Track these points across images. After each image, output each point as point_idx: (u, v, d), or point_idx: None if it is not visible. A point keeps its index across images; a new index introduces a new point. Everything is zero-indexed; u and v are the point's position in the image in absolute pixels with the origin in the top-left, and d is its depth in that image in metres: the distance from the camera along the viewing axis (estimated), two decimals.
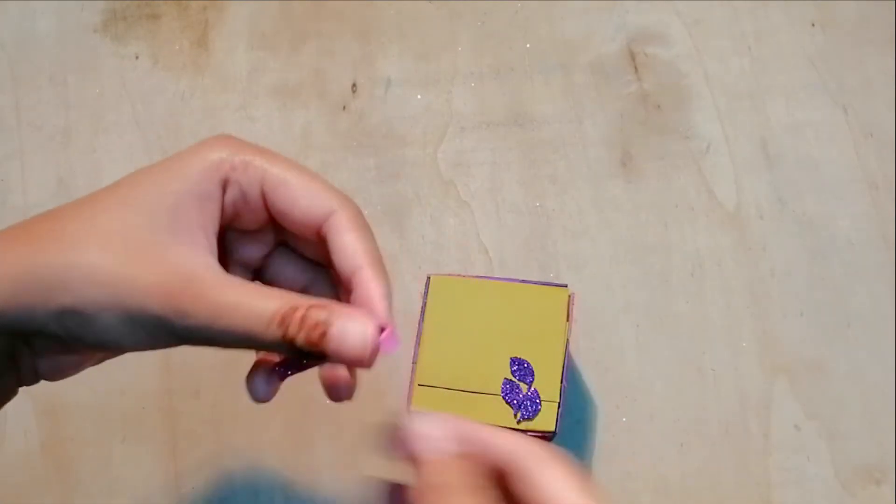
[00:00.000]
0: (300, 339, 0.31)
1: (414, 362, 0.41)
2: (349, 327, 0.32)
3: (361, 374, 0.39)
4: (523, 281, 0.43)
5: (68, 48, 0.56)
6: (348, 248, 0.34)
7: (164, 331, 0.31)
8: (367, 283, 0.34)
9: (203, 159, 0.33)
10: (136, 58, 0.55)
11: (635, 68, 0.55)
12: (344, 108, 0.54)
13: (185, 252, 0.32)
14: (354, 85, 0.55)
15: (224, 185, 0.33)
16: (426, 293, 0.42)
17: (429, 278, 0.43)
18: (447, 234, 0.51)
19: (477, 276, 0.43)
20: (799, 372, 0.49)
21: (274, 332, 0.31)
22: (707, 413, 0.48)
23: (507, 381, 0.41)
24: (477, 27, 0.56)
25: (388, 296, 0.34)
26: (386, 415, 0.48)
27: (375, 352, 0.32)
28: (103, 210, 0.32)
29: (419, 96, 0.54)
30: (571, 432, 0.47)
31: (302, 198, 0.33)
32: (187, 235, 0.32)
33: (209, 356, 0.48)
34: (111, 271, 0.31)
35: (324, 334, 0.31)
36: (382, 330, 0.33)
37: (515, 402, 0.41)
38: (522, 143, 0.53)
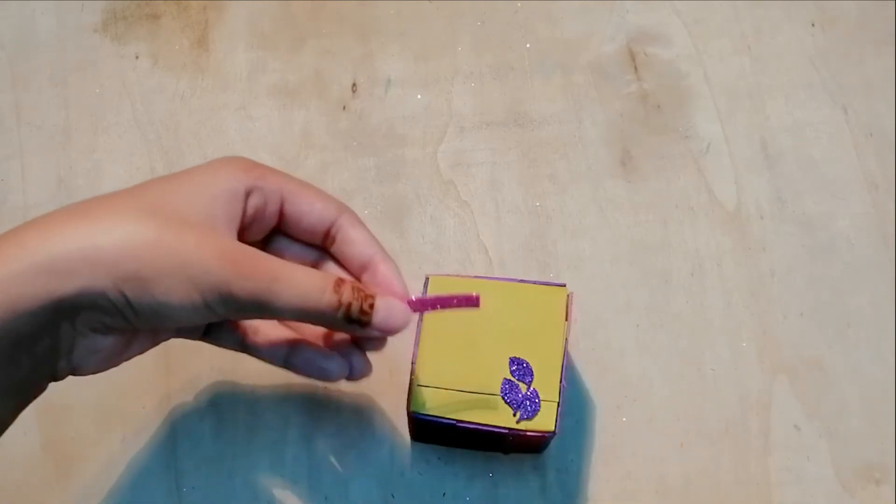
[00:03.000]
0: (355, 305, 0.36)
1: (413, 362, 0.41)
2: (391, 300, 0.37)
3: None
4: (522, 280, 0.43)
5: (68, 48, 0.56)
6: (360, 239, 0.39)
7: (220, 296, 0.33)
8: (383, 265, 0.39)
9: (230, 167, 0.37)
10: (136, 58, 0.55)
11: (635, 68, 0.55)
12: (344, 108, 0.54)
13: (230, 235, 0.36)
14: (354, 85, 0.55)
15: (248, 192, 0.37)
16: (425, 293, 0.43)
17: (427, 278, 0.43)
18: (447, 234, 0.51)
19: (475, 276, 0.43)
20: (799, 372, 0.48)
21: (330, 297, 0.35)
22: (707, 413, 0.48)
23: (507, 381, 0.41)
24: (477, 27, 0.56)
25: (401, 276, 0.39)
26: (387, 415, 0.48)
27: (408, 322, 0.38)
28: (150, 195, 0.35)
29: (419, 96, 0.54)
30: (571, 432, 0.47)
31: (318, 202, 0.39)
32: (225, 227, 0.36)
33: (209, 357, 0.48)
34: (174, 239, 0.33)
35: (372, 305, 0.36)
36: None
37: (515, 401, 0.41)
38: (522, 142, 0.53)
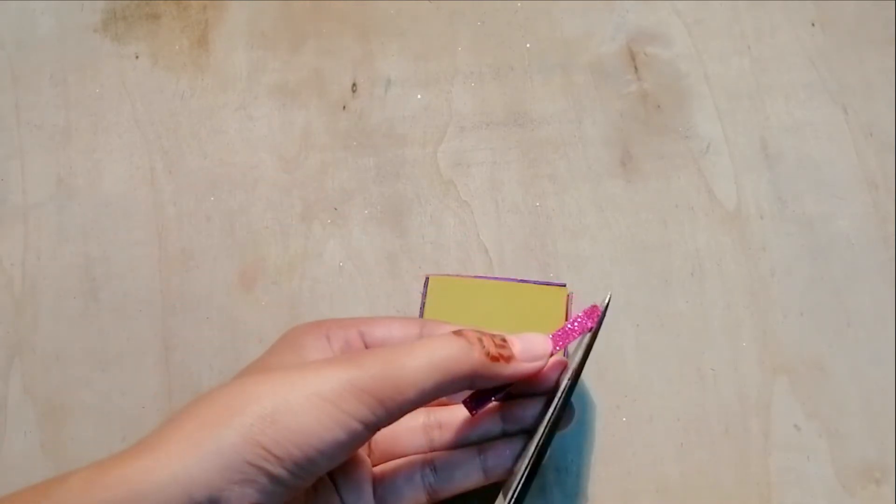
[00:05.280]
0: (487, 342, 0.35)
1: None
2: (521, 334, 0.36)
3: None
4: (521, 281, 0.43)
5: (68, 48, 0.56)
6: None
7: (363, 402, 0.32)
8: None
9: (307, 339, 0.37)
10: (136, 57, 0.55)
11: (635, 68, 0.55)
12: (344, 107, 0.54)
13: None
14: (354, 85, 0.55)
15: (328, 337, 0.37)
16: (425, 293, 0.42)
17: (427, 278, 0.43)
18: (447, 234, 0.51)
19: (475, 276, 0.43)
20: (799, 371, 0.48)
21: (479, 350, 0.34)
22: (707, 413, 0.48)
23: None
24: (477, 27, 0.56)
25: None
26: None
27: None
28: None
29: (419, 96, 0.54)
30: (571, 432, 0.47)
31: (393, 328, 0.38)
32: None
33: (209, 357, 0.48)
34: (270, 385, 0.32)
35: (504, 339, 0.36)
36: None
37: None
38: (522, 142, 0.53)
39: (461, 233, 0.51)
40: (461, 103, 0.54)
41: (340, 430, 0.31)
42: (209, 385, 0.48)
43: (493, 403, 0.38)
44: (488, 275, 0.50)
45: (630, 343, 0.49)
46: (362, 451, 0.39)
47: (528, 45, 0.55)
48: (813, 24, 0.55)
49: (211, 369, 0.48)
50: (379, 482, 0.38)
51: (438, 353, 0.33)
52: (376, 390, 0.32)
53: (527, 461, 0.36)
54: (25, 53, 0.56)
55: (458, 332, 0.34)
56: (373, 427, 0.32)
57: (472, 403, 0.37)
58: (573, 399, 0.48)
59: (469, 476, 0.38)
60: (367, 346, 0.37)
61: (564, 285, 0.43)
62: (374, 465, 0.39)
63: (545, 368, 0.37)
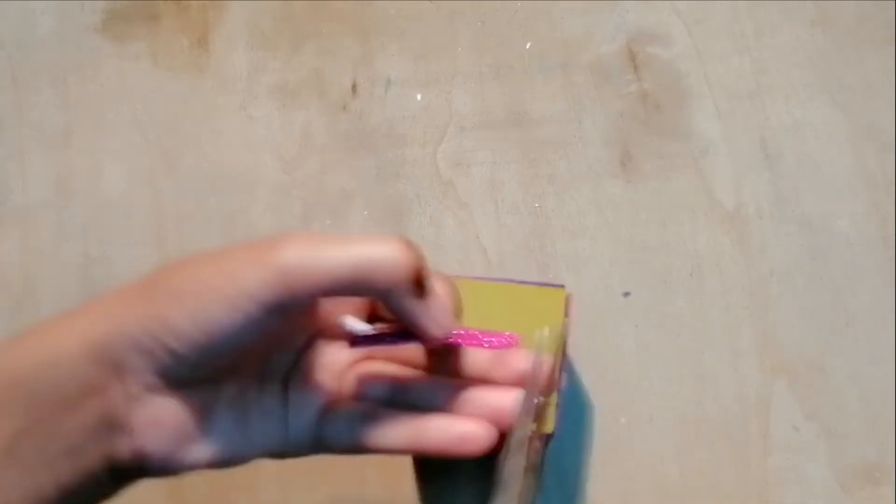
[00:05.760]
0: (422, 269, 0.33)
1: None
2: (443, 300, 0.35)
3: None
4: (520, 282, 0.43)
5: (68, 48, 0.56)
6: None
7: (270, 283, 0.30)
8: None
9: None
10: (137, 58, 0.55)
11: (635, 68, 0.55)
12: (344, 108, 0.54)
13: None
14: (354, 85, 0.55)
15: None
16: None
17: None
18: (446, 235, 0.51)
19: (473, 278, 0.43)
20: (798, 372, 0.48)
21: (404, 248, 0.32)
22: (706, 413, 0.48)
23: None
24: (477, 27, 0.56)
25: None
26: None
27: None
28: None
29: (419, 96, 0.54)
30: (570, 433, 0.47)
31: None
32: None
33: None
34: (228, 274, 0.31)
35: (427, 293, 0.34)
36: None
37: None
38: (522, 142, 0.53)
39: (460, 233, 0.51)
40: (461, 103, 0.54)
41: (239, 313, 0.30)
42: None
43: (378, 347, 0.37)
44: (487, 276, 0.50)
45: (629, 343, 0.49)
46: (330, 379, 0.37)
47: (528, 45, 0.55)
48: (813, 24, 0.55)
49: None
50: (326, 414, 0.36)
51: (368, 253, 0.32)
52: (286, 276, 0.31)
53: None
54: (25, 53, 0.56)
55: (405, 244, 0.33)
56: (274, 309, 0.31)
57: (357, 337, 0.36)
58: (572, 401, 0.48)
59: (398, 441, 0.36)
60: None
61: (563, 287, 0.43)
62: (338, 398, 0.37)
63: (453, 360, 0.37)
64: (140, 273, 0.50)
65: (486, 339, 0.38)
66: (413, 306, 0.34)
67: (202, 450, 0.33)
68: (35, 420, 0.29)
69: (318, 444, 0.36)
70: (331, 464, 0.44)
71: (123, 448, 0.32)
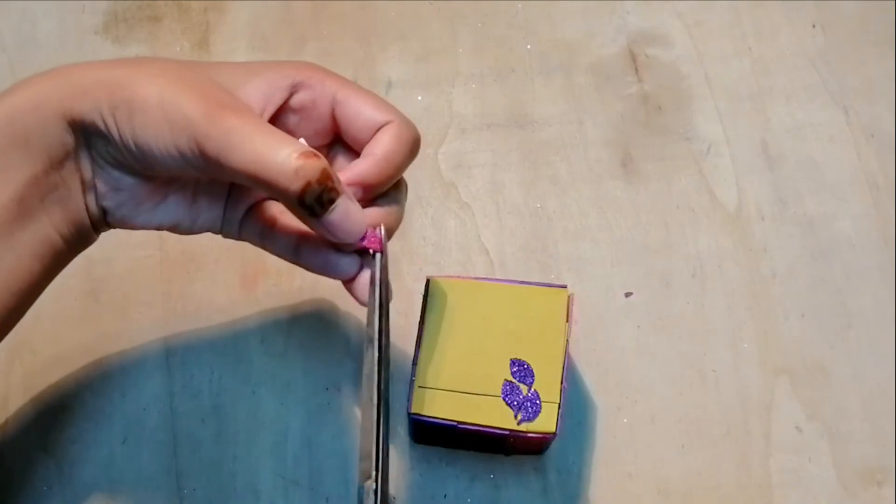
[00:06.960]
0: (315, 189, 0.33)
1: (414, 364, 0.41)
2: (354, 207, 0.35)
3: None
4: (522, 282, 0.43)
5: (69, 50, 0.56)
6: (381, 143, 0.37)
7: (188, 140, 0.33)
8: (386, 134, 0.37)
9: (288, 63, 0.38)
10: None
11: (636, 69, 0.55)
12: None
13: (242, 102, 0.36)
14: None
15: (295, 86, 0.37)
16: (426, 295, 0.42)
17: (428, 280, 0.43)
18: (448, 236, 0.51)
19: (475, 278, 0.43)
20: (800, 373, 0.48)
21: (290, 164, 0.32)
22: (708, 414, 0.48)
23: (508, 383, 0.41)
24: (477, 28, 0.56)
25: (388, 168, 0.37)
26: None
27: (362, 237, 0.35)
28: (201, 65, 0.37)
29: (420, 98, 0.54)
30: (572, 434, 0.47)
31: (366, 106, 0.37)
32: (248, 99, 0.36)
33: (210, 357, 0.48)
34: (175, 76, 0.34)
35: (333, 200, 0.33)
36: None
37: (516, 403, 0.41)
38: (523, 144, 0.53)
39: (462, 234, 0.51)
40: (462, 105, 0.54)
41: (168, 152, 0.34)
42: (209, 386, 0.48)
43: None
44: (489, 277, 0.50)
45: (631, 344, 0.49)
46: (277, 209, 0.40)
47: (528, 47, 0.55)
48: (814, 26, 0.55)
49: (212, 371, 0.48)
50: (248, 214, 0.40)
51: (252, 155, 0.33)
52: (206, 158, 0.33)
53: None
54: (27, 55, 0.56)
55: (305, 154, 0.33)
56: (194, 165, 0.34)
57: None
58: (574, 401, 0.48)
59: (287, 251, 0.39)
60: (336, 121, 0.38)
61: (565, 287, 0.43)
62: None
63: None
64: (140, 273, 0.50)
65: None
66: (304, 217, 0.35)
67: (152, 216, 0.38)
68: (35, 173, 0.35)
69: (239, 235, 0.41)
70: None
71: (92, 203, 0.37)
